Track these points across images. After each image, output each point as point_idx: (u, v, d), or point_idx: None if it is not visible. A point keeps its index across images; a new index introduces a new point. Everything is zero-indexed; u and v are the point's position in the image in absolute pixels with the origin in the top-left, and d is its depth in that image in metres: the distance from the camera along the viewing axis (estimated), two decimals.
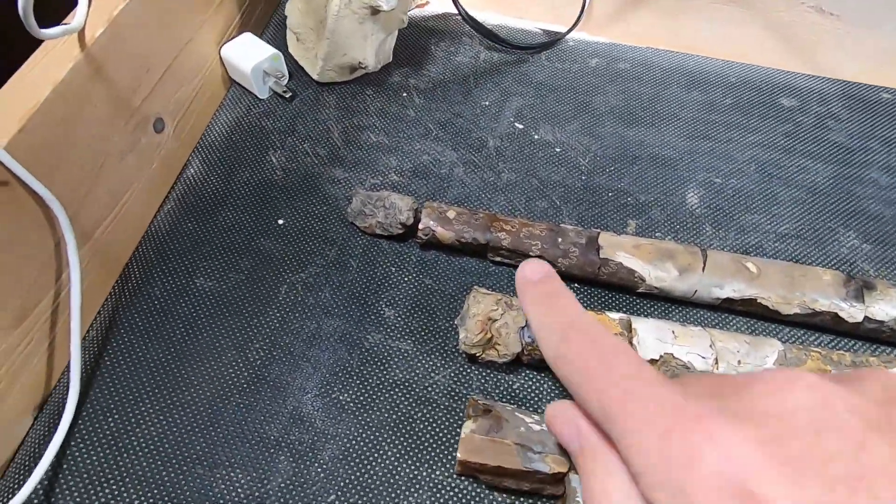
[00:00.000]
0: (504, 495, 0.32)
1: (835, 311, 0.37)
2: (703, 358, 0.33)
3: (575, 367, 0.17)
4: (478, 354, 0.34)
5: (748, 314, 0.39)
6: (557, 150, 0.49)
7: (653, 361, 0.33)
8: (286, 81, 0.50)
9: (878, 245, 0.45)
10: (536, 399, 0.36)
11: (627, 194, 0.46)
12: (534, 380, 0.36)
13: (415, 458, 0.33)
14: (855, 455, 0.12)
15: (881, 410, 0.14)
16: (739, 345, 0.34)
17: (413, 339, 0.37)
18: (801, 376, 0.15)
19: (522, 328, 0.34)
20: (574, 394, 0.18)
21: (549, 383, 0.36)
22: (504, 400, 0.35)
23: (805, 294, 0.37)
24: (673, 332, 0.34)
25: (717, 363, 0.33)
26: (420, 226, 0.39)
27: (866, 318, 0.37)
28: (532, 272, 0.21)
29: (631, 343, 0.34)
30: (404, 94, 0.51)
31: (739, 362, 0.33)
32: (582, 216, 0.44)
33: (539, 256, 0.39)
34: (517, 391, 0.36)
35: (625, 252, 0.38)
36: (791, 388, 0.14)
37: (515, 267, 0.41)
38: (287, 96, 0.49)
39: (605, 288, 0.40)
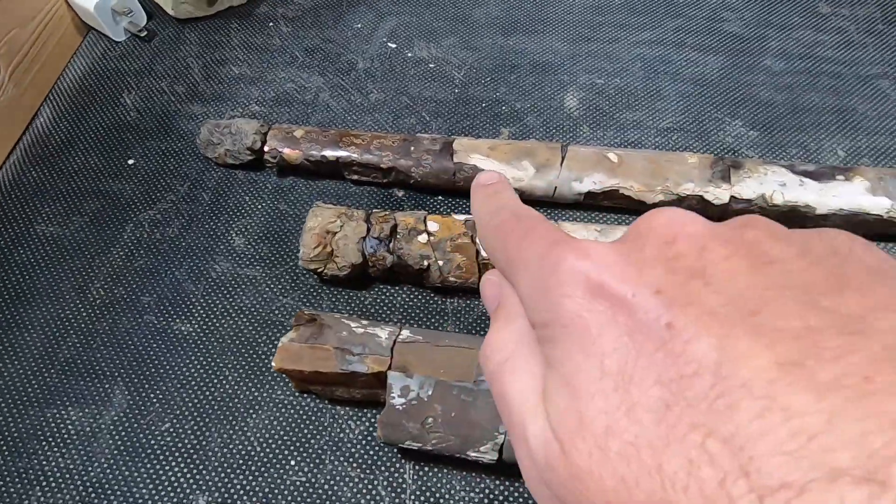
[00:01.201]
0: (346, 408, 0.30)
1: (700, 193, 0.35)
2: None
3: (495, 233, 0.19)
4: (318, 269, 0.33)
5: (615, 209, 0.38)
6: (431, 65, 0.46)
7: None
8: (144, 22, 0.47)
9: (766, 131, 0.43)
10: (388, 311, 0.34)
11: (502, 103, 0.44)
12: (386, 293, 0.35)
13: (256, 380, 0.32)
14: (698, 254, 0.14)
15: (733, 232, 0.15)
16: (588, 234, 0.32)
17: (263, 264, 0.36)
18: (669, 207, 0.16)
19: (363, 238, 0.33)
20: (492, 258, 0.19)
21: (403, 296, 0.35)
22: (357, 315, 0.34)
23: (669, 180, 0.35)
24: None
25: None
26: (266, 148, 0.37)
27: (732, 198, 0.35)
28: (486, 179, 0.23)
29: (473, 241, 0.32)
30: (271, 24, 0.49)
31: None
32: (452, 129, 0.42)
33: (390, 169, 0.37)
34: (369, 306, 0.34)
35: (479, 154, 0.36)
36: (656, 213, 0.15)
37: (376, 185, 0.40)
38: (143, 35, 0.46)
39: (460, 195, 0.38)
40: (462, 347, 0.27)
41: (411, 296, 0.35)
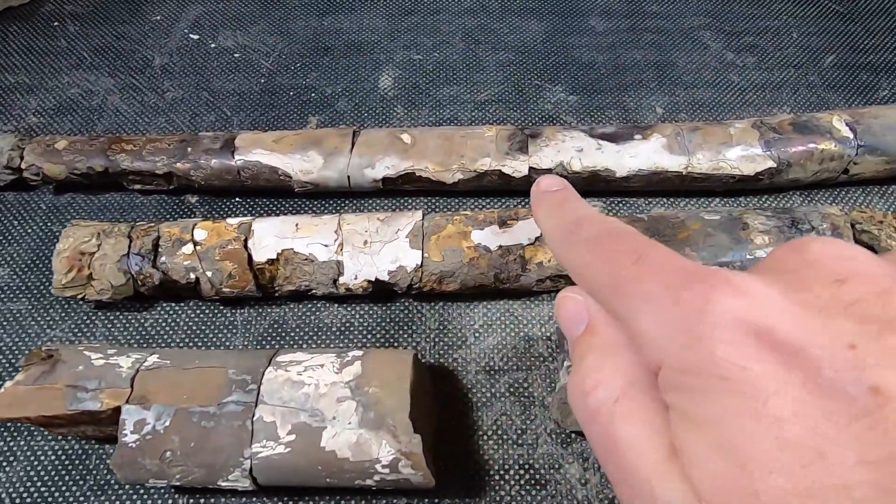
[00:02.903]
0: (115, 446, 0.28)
1: (498, 168, 0.34)
2: (326, 246, 0.29)
3: (586, 251, 0.16)
4: (78, 295, 0.30)
5: (422, 192, 0.36)
6: (237, 55, 0.43)
7: (270, 261, 0.29)
8: None
9: (586, 94, 0.41)
10: (172, 331, 0.31)
11: (312, 90, 0.41)
12: (170, 311, 0.32)
13: (12, 429, 0.28)
14: (880, 300, 0.11)
15: None
16: (370, 224, 0.30)
17: (29, 296, 0.32)
18: (820, 237, 0.13)
19: (125, 256, 0.29)
20: (582, 278, 0.17)
21: (189, 312, 0.31)
22: (136, 341, 0.31)
23: (465, 157, 0.34)
24: (297, 224, 0.30)
25: (341, 248, 0.29)
26: (23, 165, 0.33)
27: (531, 168, 0.34)
28: (547, 185, 0.21)
29: (245, 246, 0.30)
30: (56, 24, 0.44)
31: (366, 242, 0.30)
32: (256, 122, 0.39)
33: (168, 174, 0.33)
34: (150, 328, 0.31)
35: (263, 149, 0.33)
36: (809, 243, 0.13)
37: (167, 193, 0.37)
38: None
39: (258, 195, 0.36)
40: (210, 367, 0.25)
41: (198, 311, 0.32)
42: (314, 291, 0.30)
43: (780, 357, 0.11)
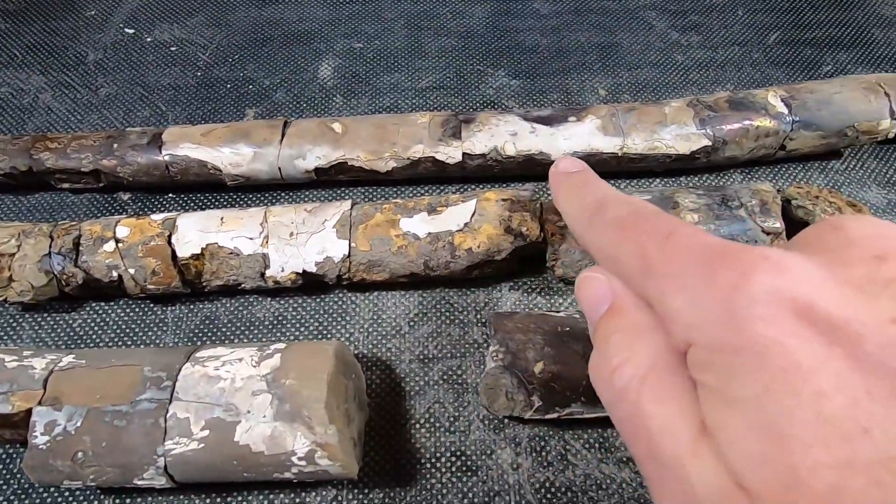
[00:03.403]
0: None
1: (432, 155, 0.33)
2: (251, 239, 0.29)
3: (612, 231, 0.16)
4: (0, 298, 0.29)
5: (358, 182, 0.35)
6: (173, 49, 0.42)
7: (195, 256, 0.29)
8: None
9: (528, 78, 0.41)
10: (101, 331, 0.30)
11: (250, 82, 0.40)
12: (99, 311, 0.31)
13: None
14: None
15: None
16: (297, 215, 0.30)
17: None
18: (855, 216, 0.13)
19: (46, 255, 0.29)
20: (607, 258, 0.17)
21: (119, 310, 0.31)
22: (64, 343, 0.30)
23: (397, 144, 0.33)
24: (222, 218, 0.30)
25: (266, 241, 0.29)
26: None
27: (465, 154, 0.33)
28: (566, 166, 0.21)
29: (169, 242, 0.29)
30: None
31: (292, 234, 0.29)
32: (191, 116, 0.38)
33: (95, 171, 0.33)
34: (79, 329, 0.31)
35: (190, 143, 0.33)
36: (847, 221, 0.13)
37: (98, 191, 0.36)
38: None
39: (191, 190, 0.35)
40: (125, 366, 0.24)
41: (128, 310, 0.31)
42: (243, 285, 0.30)
43: (821, 332, 0.11)
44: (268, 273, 0.29)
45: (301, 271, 0.29)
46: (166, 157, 0.33)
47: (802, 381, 0.10)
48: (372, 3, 0.45)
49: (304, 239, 0.29)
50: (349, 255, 0.29)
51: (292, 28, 0.43)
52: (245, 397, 0.23)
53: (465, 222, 0.30)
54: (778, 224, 0.29)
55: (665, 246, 0.14)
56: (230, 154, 0.33)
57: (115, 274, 0.29)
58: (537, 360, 0.25)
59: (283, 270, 0.29)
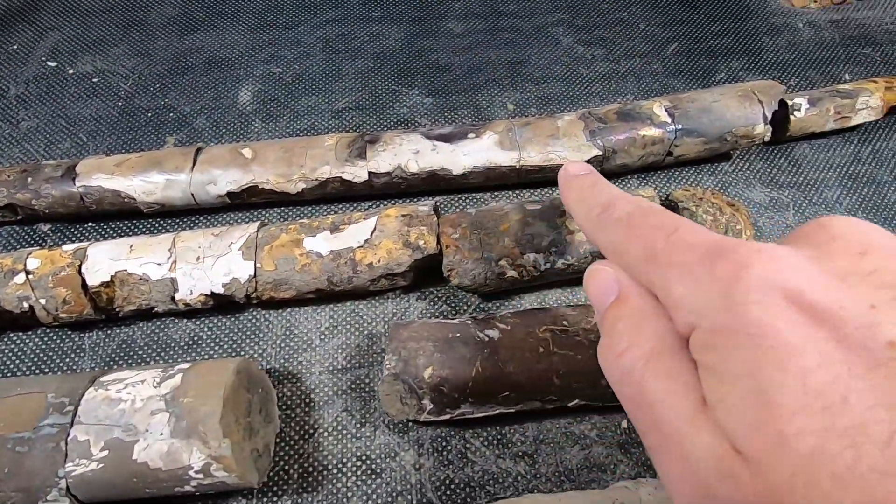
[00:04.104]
0: None
1: (339, 175, 0.35)
2: (159, 264, 0.30)
3: (620, 227, 0.18)
4: None
5: (271, 203, 0.37)
6: (95, 80, 0.43)
7: (105, 284, 0.30)
8: None
9: (441, 96, 0.43)
10: (18, 360, 0.31)
11: (171, 109, 0.42)
12: (17, 340, 0.32)
13: None
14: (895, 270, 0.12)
15: None
16: (205, 239, 0.31)
17: None
18: (842, 216, 0.15)
19: None
20: (615, 252, 0.18)
21: (37, 340, 0.32)
22: None
23: (305, 166, 0.35)
24: (131, 246, 0.31)
25: (174, 265, 0.30)
26: None
27: (371, 173, 0.35)
28: (575, 170, 0.22)
29: (80, 272, 0.30)
30: None
31: (199, 258, 0.31)
32: (112, 146, 0.40)
33: (10, 206, 0.33)
34: None
35: (104, 174, 0.34)
36: (833, 220, 0.14)
37: (18, 223, 0.36)
38: None
39: (109, 219, 0.36)
40: (29, 394, 0.26)
41: (45, 338, 0.32)
42: (157, 309, 0.31)
43: (808, 316, 0.12)
44: (178, 296, 0.30)
45: (210, 293, 0.30)
46: (80, 189, 0.34)
47: (791, 357, 0.12)
48: (291, 28, 0.46)
49: (211, 262, 0.30)
50: (255, 276, 0.30)
51: (213, 55, 0.45)
52: (144, 417, 0.25)
53: (365, 239, 0.31)
54: None
55: (670, 240, 0.16)
56: (142, 182, 0.34)
57: (25, 305, 0.30)
58: (427, 366, 0.27)
59: (191, 293, 0.30)
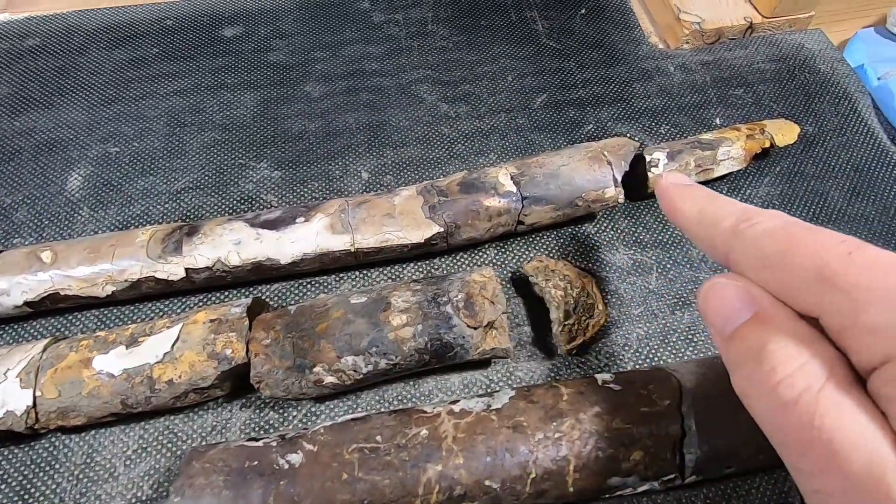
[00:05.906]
0: None
1: (152, 275, 0.32)
2: None
3: (772, 238, 0.16)
4: None
5: (84, 307, 0.33)
6: None
7: None
8: None
9: (291, 167, 0.40)
10: None
11: None
12: None
13: None
14: None
15: None
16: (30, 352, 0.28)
17: None
18: None
19: None
20: (762, 267, 0.16)
21: None
22: None
23: (112, 267, 0.32)
24: None
25: None
26: None
27: (188, 270, 0.32)
28: (678, 178, 0.22)
29: None
30: None
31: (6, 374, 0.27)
32: None
33: None
34: None
35: None
36: None
37: None
38: None
39: None
40: None
41: None
42: None
43: None
44: None
45: None
46: None
47: None
48: (136, 102, 0.43)
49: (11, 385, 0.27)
50: (34, 406, 0.27)
51: (45, 137, 0.41)
52: None
53: (164, 352, 0.28)
54: (482, 318, 0.29)
55: (853, 258, 0.14)
56: None
57: None
58: None
59: None
